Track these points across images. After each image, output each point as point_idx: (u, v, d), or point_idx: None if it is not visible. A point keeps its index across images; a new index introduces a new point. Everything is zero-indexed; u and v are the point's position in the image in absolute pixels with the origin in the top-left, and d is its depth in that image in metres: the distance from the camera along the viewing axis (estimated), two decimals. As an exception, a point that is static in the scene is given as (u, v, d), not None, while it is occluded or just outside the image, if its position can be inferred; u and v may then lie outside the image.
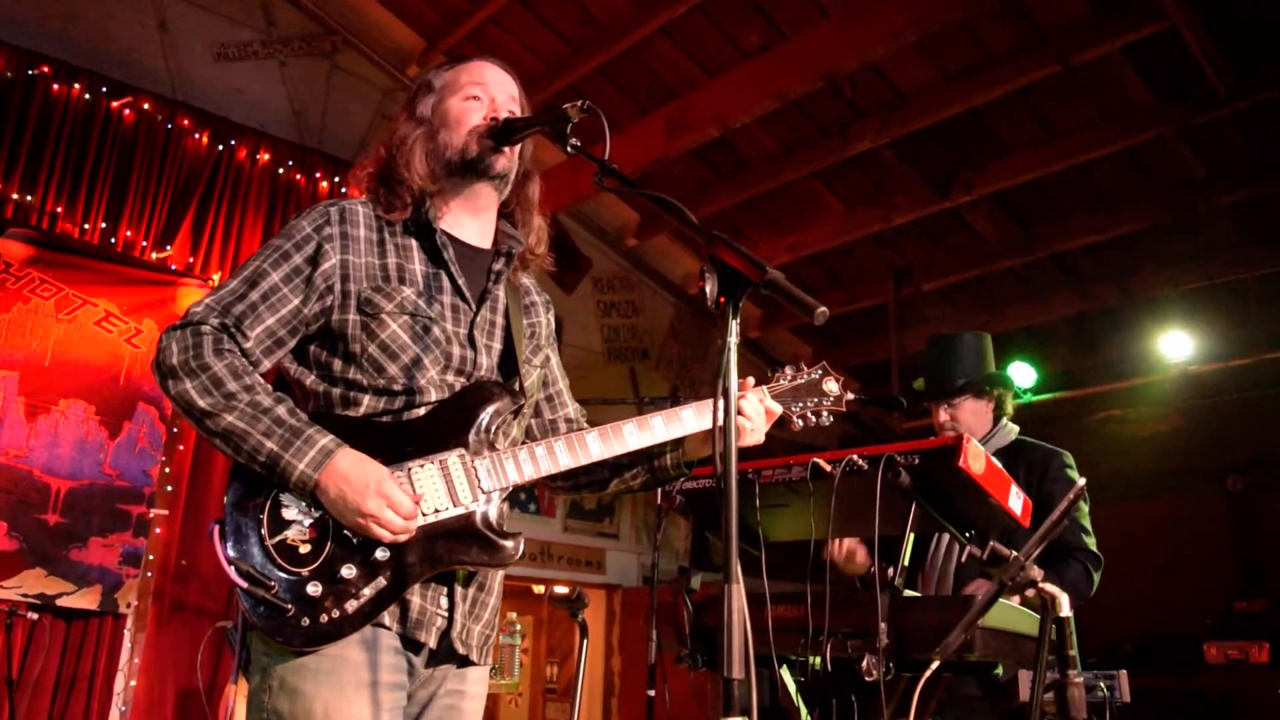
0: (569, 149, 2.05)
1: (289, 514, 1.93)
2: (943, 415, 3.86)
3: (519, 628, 4.41)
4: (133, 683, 5.86)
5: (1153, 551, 8.04)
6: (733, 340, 1.60)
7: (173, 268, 6.29)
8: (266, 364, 2.05)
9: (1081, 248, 7.83)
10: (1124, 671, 2.95)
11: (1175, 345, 7.76)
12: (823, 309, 1.56)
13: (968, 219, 8.00)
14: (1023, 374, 8.26)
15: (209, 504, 6.17)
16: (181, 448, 6.23)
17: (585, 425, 2.41)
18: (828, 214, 8.28)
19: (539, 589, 8.42)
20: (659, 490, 3.79)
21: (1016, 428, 3.88)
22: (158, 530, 6.06)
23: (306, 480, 1.89)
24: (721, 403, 1.56)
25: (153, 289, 6.24)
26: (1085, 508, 3.66)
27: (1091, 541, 3.58)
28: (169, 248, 6.25)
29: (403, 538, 1.92)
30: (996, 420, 3.87)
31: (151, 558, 6.01)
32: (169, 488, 6.16)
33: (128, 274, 6.16)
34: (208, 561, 6.02)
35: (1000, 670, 2.92)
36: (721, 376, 1.58)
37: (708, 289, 1.63)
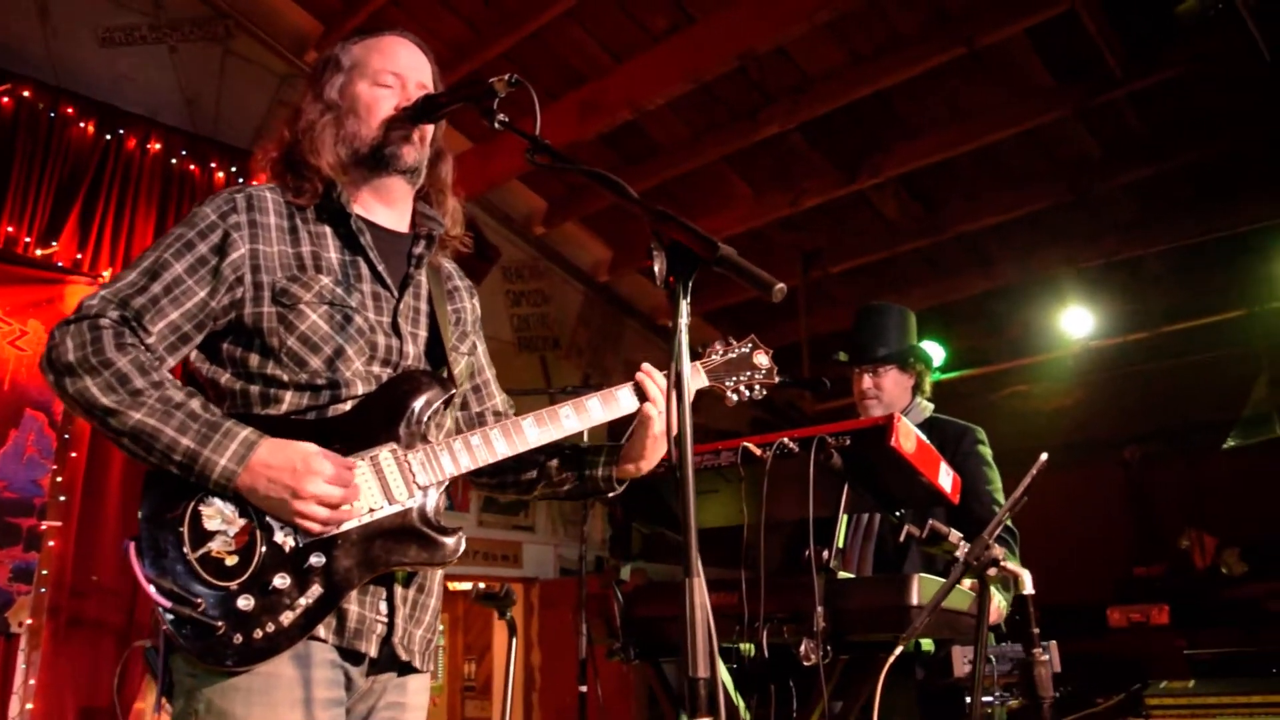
0: (496, 124, 1.95)
1: (211, 524, 1.79)
2: (866, 382, 3.85)
3: (441, 627, 4.28)
4: (29, 705, 5.54)
5: (1056, 521, 8.24)
6: (683, 321, 1.53)
7: (59, 265, 5.95)
8: (170, 362, 1.91)
9: (986, 228, 7.97)
10: (1054, 642, 2.98)
11: (1076, 321, 7.98)
12: (780, 285, 1.51)
13: (875, 201, 8.09)
14: (932, 353, 8.39)
15: (105, 513, 5.87)
16: (74, 455, 5.90)
17: (514, 417, 2.33)
18: (736, 198, 8.29)
19: (455, 586, 8.26)
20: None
21: (931, 405, 3.91)
22: (51, 543, 5.73)
23: (229, 476, 1.75)
24: (674, 387, 1.50)
25: (38, 288, 5.89)
26: (999, 483, 3.69)
27: (1007, 517, 3.61)
28: (54, 243, 5.91)
29: (345, 515, 1.81)
30: (914, 397, 3.89)
31: (45, 572, 5.67)
32: (62, 497, 5.82)
33: (10, 272, 5.79)
34: (107, 573, 5.73)
35: (932, 647, 2.92)
36: (674, 360, 1.51)
37: (656, 268, 1.56)
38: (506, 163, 7.16)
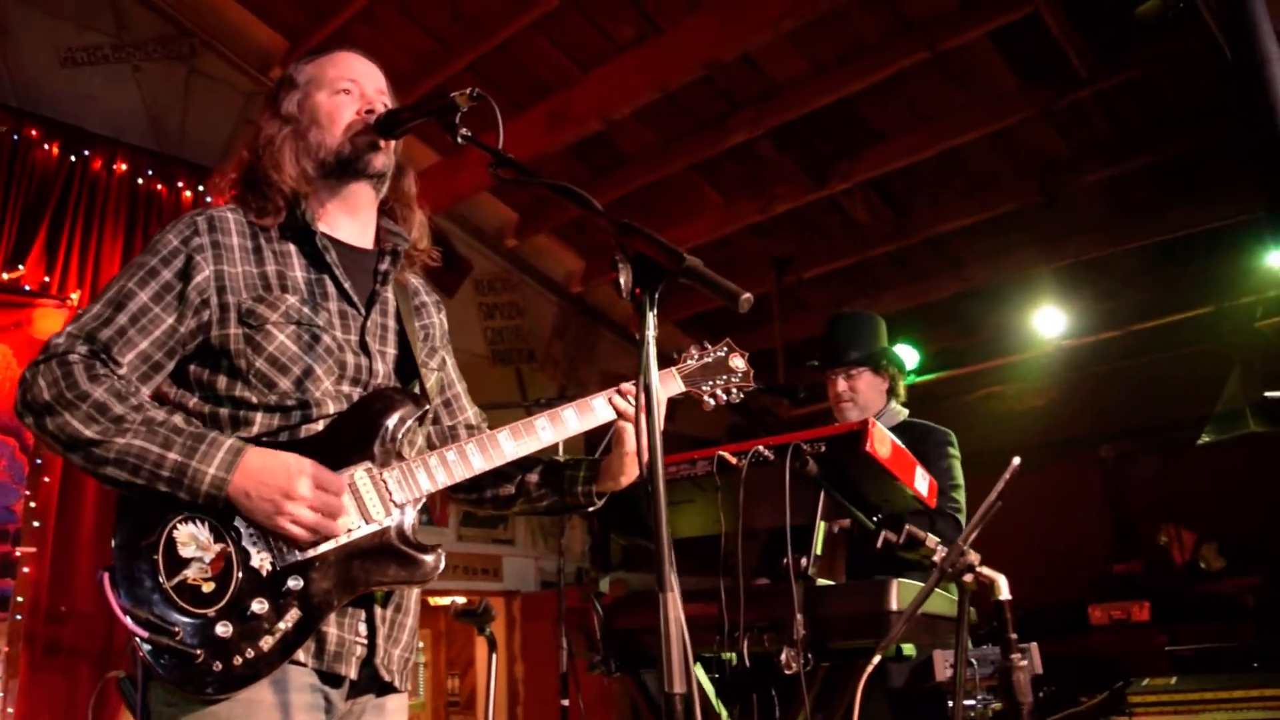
0: (459, 139, 1.95)
1: (186, 551, 1.77)
2: (841, 384, 3.89)
3: (421, 644, 4.26)
4: (6, 733, 5.49)
5: (1033, 521, 8.27)
6: (650, 334, 1.52)
7: (26, 288, 5.88)
8: (144, 391, 1.89)
9: (956, 230, 8.00)
10: (1035, 644, 2.99)
11: (1048, 321, 8.02)
12: (747, 295, 1.51)
13: (845, 206, 8.12)
14: (905, 356, 8.42)
15: (80, 538, 5.79)
16: (47, 479, 5.83)
17: (487, 430, 2.33)
18: (707, 207, 8.29)
19: (436, 601, 8.23)
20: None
21: (906, 409, 3.94)
22: (25, 569, 5.67)
23: (219, 484, 1.74)
24: (643, 400, 1.49)
25: (6, 312, 5.83)
26: (961, 481, 3.73)
27: (961, 495, 3.65)
28: (21, 267, 5.84)
29: (331, 526, 1.80)
30: (888, 400, 3.92)
31: (20, 599, 5.61)
32: (35, 523, 5.76)
33: (-24, 298, 5.77)
34: (83, 599, 5.65)
35: (913, 652, 2.93)
36: (642, 372, 1.50)
37: (622, 281, 1.56)
38: (475, 175, 7.14)
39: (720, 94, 6.98)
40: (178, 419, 1.82)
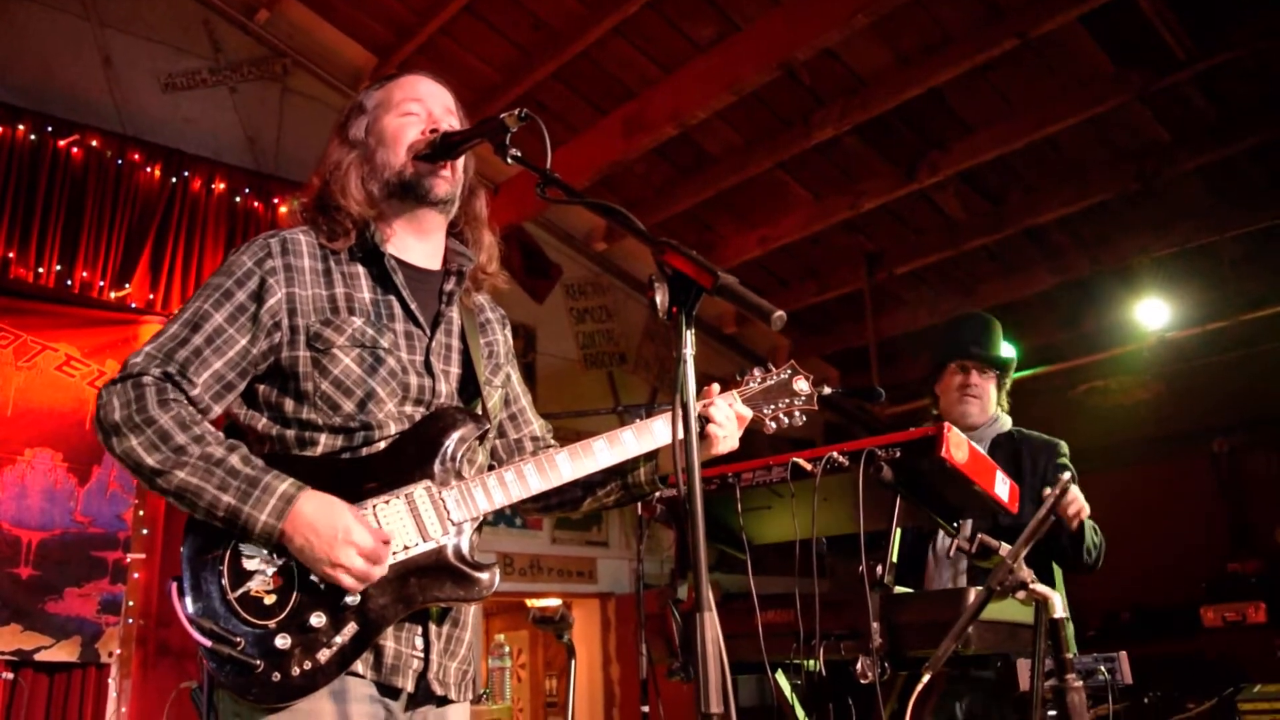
0: (509, 159, 1.97)
1: (250, 564, 1.83)
2: (975, 377, 3.71)
3: (507, 649, 4.34)
4: (121, 732, 5.74)
5: (1144, 520, 8.02)
6: (688, 352, 1.52)
7: (133, 306, 6.17)
8: (217, 410, 1.95)
9: (1052, 221, 7.80)
10: (1124, 653, 2.90)
11: (1152, 312, 7.76)
12: (779, 313, 1.48)
13: (936, 200, 7.96)
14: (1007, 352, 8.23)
15: (187, 544, 6.05)
16: (155, 489, 6.11)
17: (552, 442, 2.35)
18: (795, 204, 8.22)
19: (532, 603, 8.33)
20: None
21: (1010, 419, 3.85)
22: (136, 575, 5.94)
23: (271, 531, 1.80)
24: (681, 418, 1.48)
25: (114, 329, 6.12)
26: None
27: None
28: (127, 286, 6.12)
29: (368, 583, 1.84)
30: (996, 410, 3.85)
31: (131, 603, 5.89)
32: (144, 530, 6.04)
33: (87, 315, 6.05)
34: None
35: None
36: (679, 391, 1.50)
37: (659, 299, 1.55)
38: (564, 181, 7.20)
39: (805, 90, 6.91)
40: (235, 459, 1.85)
